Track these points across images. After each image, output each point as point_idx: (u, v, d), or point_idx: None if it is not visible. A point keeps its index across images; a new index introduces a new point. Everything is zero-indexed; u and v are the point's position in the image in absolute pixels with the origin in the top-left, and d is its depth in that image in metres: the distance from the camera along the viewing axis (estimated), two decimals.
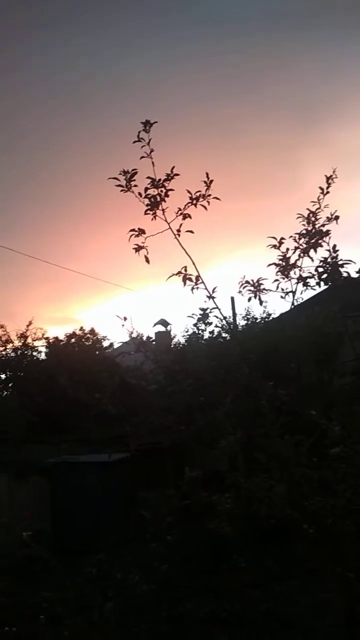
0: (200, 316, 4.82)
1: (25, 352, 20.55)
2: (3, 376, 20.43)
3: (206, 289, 4.57)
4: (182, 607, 4.24)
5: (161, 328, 8.23)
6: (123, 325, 4.69)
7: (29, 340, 20.68)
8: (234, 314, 17.79)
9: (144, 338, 5.15)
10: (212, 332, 6.36)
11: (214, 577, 4.49)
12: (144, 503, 4.90)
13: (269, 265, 4.60)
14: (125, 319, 4.68)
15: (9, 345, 20.47)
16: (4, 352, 20.43)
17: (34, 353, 20.84)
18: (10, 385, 20.26)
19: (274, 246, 4.56)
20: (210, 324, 4.90)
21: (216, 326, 5.18)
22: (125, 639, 4.01)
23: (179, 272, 4.54)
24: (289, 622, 4.16)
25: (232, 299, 16.91)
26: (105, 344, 22.43)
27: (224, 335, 7.27)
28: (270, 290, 4.65)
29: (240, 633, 4.19)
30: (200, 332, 5.44)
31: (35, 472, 14.14)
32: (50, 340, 21.00)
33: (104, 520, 12.71)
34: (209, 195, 4.62)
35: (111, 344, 22.51)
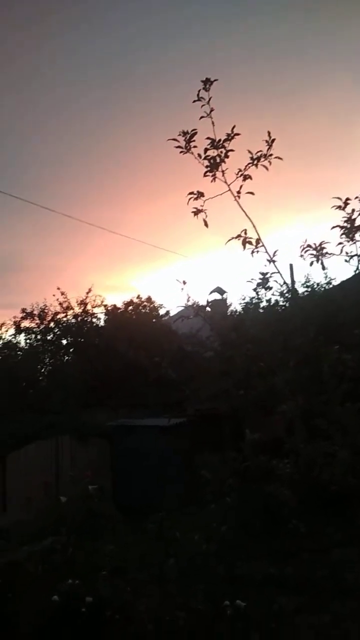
0: (260, 281, 4.72)
1: (85, 318, 21.03)
2: (64, 342, 21.05)
3: (267, 252, 4.46)
4: (240, 568, 4.30)
5: (217, 296, 8.15)
6: (182, 289, 4.65)
7: (89, 307, 21.13)
8: (293, 282, 17.43)
9: (200, 304, 5.13)
10: (269, 301, 6.24)
11: (272, 540, 4.53)
12: (203, 466, 4.97)
13: (333, 227, 4.42)
14: (184, 282, 4.65)
15: (70, 312, 21.00)
16: (65, 319, 20.99)
17: (93, 320, 21.30)
18: (71, 350, 20.86)
19: (339, 207, 4.37)
20: (270, 288, 4.80)
21: (273, 294, 5.08)
22: (185, 596, 4.13)
23: (239, 236, 4.44)
24: (348, 588, 4.15)
25: (291, 266, 16.54)
26: (162, 311, 22.64)
27: (281, 303, 7.14)
28: (334, 254, 4.49)
29: (299, 597, 4.22)
30: (259, 298, 5.35)
31: (96, 435, 14.64)
32: (109, 308, 21.38)
33: (161, 482, 13.03)
34: (271, 155, 4.47)
35: (167, 312, 22.69)
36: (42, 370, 20.68)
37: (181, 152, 4.51)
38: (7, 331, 20.75)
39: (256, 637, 4.24)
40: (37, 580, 6.64)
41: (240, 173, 4.45)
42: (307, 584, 4.23)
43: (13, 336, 20.93)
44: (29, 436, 13.51)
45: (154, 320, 21.53)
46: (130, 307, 21.75)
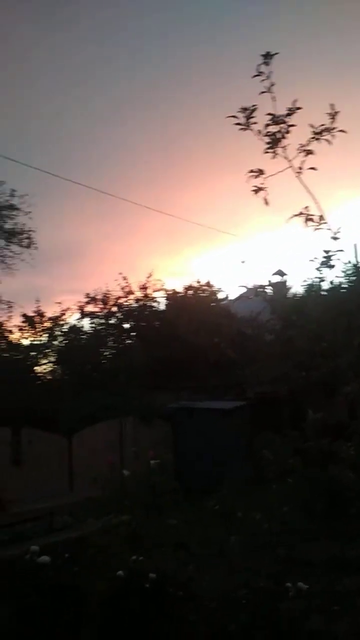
0: (323, 259, 4.61)
1: (146, 303, 21.29)
2: (126, 326, 21.42)
3: (330, 229, 4.34)
4: (301, 549, 4.27)
5: (278, 278, 8.04)
6: (242, 269, 4.61)
7: (149, 291, 21.37)
8: (357, 262, 16.89)
9: (261, 284, 5.06)
10: (331, 282, 6.07)
11: (334, 523, 4.47)
12: (263, 447, 4.93)
13: None
14: (243, 262, 4.60)
15: (131, 296, 21.32)
16: (126, 303, 21.33)
17: (154, 304, 21.53)
18: (133, 334, 21.22)
19: None
20: (333, 267, 4.67)
21: (337, 276, 4.94)
22: (247, 573, 4.17)
23: (301, 213, 4.34)
24: None
25: (355, 246, 16.05)
26: (221, 295, 22.55)
27: (344, 285, 6.93)
28: None
29: None
30: (321, 278, 5.21)
31: (158, 416, 14.89)
32: (169, 292, 21.52)
33: (222, 464, 13.10)
34: (334, 128, 4.31)
35: (226, 296, 22.59)
36: (106, 354, 21.17)
37: (241, 129, 4.43)
38: (72, 316, 21.35)
39: (318, 619, 4.22)
40: (103, 555, 6.89)
41: (301, 148, 4.33)
42: None
43: (78, 320, 21.52)
44: (94, 417, 13.92)
45: (213, 304, 21.50)
46: (190, 292, 21.81)
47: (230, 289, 22.89)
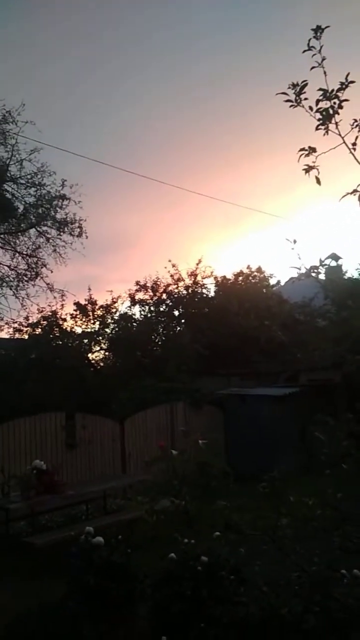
0: None
1: (196, 289, 21.28)
2: (176, 313, 21.52)
3: None
4: (357, 537, 4.18)
5: (332, 263, 7.85)
6: (293, 248, 4.49)
7: (199, 278, 21.34)
8: None
9: (314, 265, 4.92)
10: None
11: None
12: (317, 429, 4.83)
13: None
14: (295, 241, 4.48)
15: (181, 284, 21.37)
16: (176, 290, 21.40)
17: (204, 291, 21.49)
18: (183, 321, 21.29)
19: None
20: None
21: None
22: (300, 559, 4.12)
23: (355, 191, 4.17)
24: None
25: None
26: (273, 281, 22.26)
27: None
28: None
29: None
30: None
31: (208, 402, 14.91)
32: (218, 279, 21.42)
33: (273, 450, 13.02)
34: None
35: (278, 282, 22.26)
36: (157, 340, 21.35)
37: (291, 105, 4.29)
38: (123, 303, 21.63)
39: None
40: (156, 537, 6.99)
41: (355, 124, 4.16)
42: None
43: (128, 308, 21.79)
44: (146, 401, 14.08)
45: (264, 290, 21.27)
46: (240, 278, 21.64)
47: (282, 274, 22.56)
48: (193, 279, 21.32)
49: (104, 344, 21.34)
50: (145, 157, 28.36)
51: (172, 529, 5.16)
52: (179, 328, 21.24)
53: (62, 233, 18.72)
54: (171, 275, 21.36)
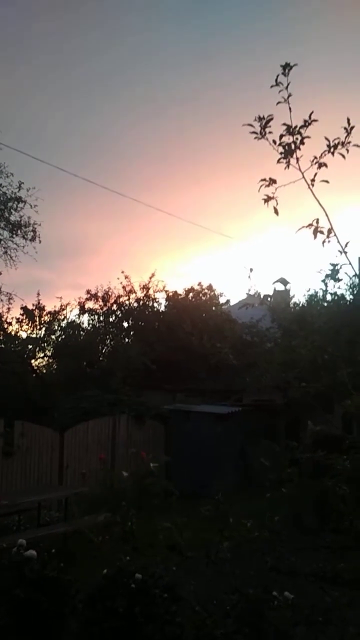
0: (330, 272, 4.62)
1: (147, 303, 21.32)
2: (126, 324, 21.46)
3: (338, 242, 4.35)
4: (291, 559, 4.29)
5: (280, 287, 8.07)
6: (249, 277, 4.63)
7: (151, 292, 21.40)
8: None
9: (262, 295, 5.07)
10: (334, 294, 6.13)
11: (326, 535, 4.49)
12: (257, 455, 4.96)
13: None
14: (251, 270, 4.62)
15: (132, 296, 21.36)
16: (127, 302, 21.37)
17: (155, 304, 21.56)
18: (132, 333, 21.24)
19: None
20: (339, 280, 4.69)
21: (340, 288, 4.96)
22: (235, 579, 4.18)
23: (310, 224, 4.34)
24: None
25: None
26: (222, 300, 22.60)
27: (348, 297, 6.95)
28: None
29: (351, 593, 4.18)
30: (325, 289, 5.22)
31: (152, 417, 14.89)
32: (170, 294, 21.56)
33: (215, 468, 13.13)
34: (349, 142, 4.33)
35: (228, 301, 22.63)
36: (103, 351, 21.19)
37: (256, 137, 4.44)
38: (71, 311, 21.38)
39: (303, 629, 4.23)
40: (91, 552, 6.89)
41: (315, 161, 4.34)
42: None
43: (77, 316, 21.55)
44: (88, 413, 13.91)
45: (214, 308, 21.55)
46: (191, 294, 21.85)
47: (232, 293, 22.96)
48: (145, 292, 21.36)
49: (49, 350, 20.99)
50: (107, 168, 28.32)
51: (108, 546, 5.12)
52: (127, 340, 21.18)
53: (14, 236, 18.35)
54: (123, 287, 21.34)
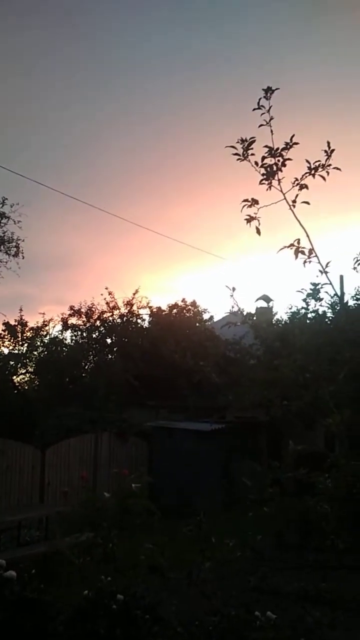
0: (311, 291, 4.69)
1: (130, 319, 21.32)
2: (109, 341, 21.41)
3: (319, 263, 4.42)
4: (273, 579, 4.27)
5: (263, 304, 8.15)
6: (232, 295, 4.68)
7: (134, 308, 21.43)
8: (342, 293, 17.14)
9: (246, 312, 5.12)
10: (315, 311, 6.20)
11: (309, 554, 4.49)
12: (239, 473, 4.95)
13: None
14: (234, 289, 4.67)
15: (116, 312, 21.35)
16: (110, 318, 21.34)
17: (138, 321, 21.57)
18: (115, 349, 21.19)
19: None
20: (320, 299, 4.76)
21: (323, 306, 5.03)
22: (217, 600, 4.15)
23: (291, 245, 4.42)
24: None
25: (341, 277, 16.28)
26: (206, 316, 22.69)
27: (330, 315, 7.02)
28: None
29: (333, 613, 4.17)
30: (307, 308, 5.29)
31: (135, 434, 14.80)
32: (154, 310, 21.60)
33: (198, 486, 13.06)
34: (329, 165, 4.42)
35: (211, 317, 22.72)
36: (86, 367, 21.10)
37: (238, 159, 4.53)
38: (54, 327, 21.29)
39: None
40: (72, 573, 6.78)
41: (296, 182, 4.43)
42: (343, 601, 4.17)
43: (60, 332, 21.46)
44: (71, 430, 13.79)
45: (197, 324, 21.62)
46: (175, 310, 21.92)
47: (215, 310, 23.05)
48: (129, 308, 21.38)
49: (31, 367, 20.83)
50: (90, 184, 28.44)
51: (90, 566, 5.06)
52: (110, 356, 21.12)
53: None
54: (107, 303, 21.35)
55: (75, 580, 6.12)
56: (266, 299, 7.45)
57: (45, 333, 21.15)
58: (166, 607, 4.82)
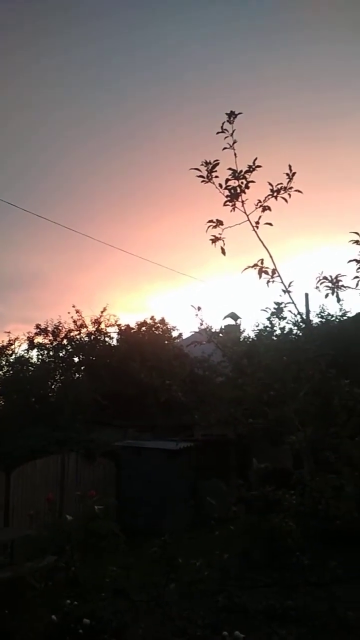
0: (274, 310, 4.78)
1: (98, 337, 21.18)
2: (76, 359, 21.19)
3: (282, 282, 4.52)
4: (240, 598, 4.27)
5: (230, 321, 8.23)
6: (197, 314, 4.73)
7: (102, 326, 21.31)
8: (307, 311, 17.46)
9: (213, 330, 5.18)
10: (282, 329, 6.29)
11: (274, 572, 4.50)
12: (208, 491, 4.96)
13: (350, 261, 4.46)
14: (199, 308, 4.72)
15: (83, 330, 21.18)
16: (78, 337, 21.16)
17: (106, 339, 21.45)
18: (82, 368, 20.98)
19: (357, 242, 4.42)
20: (284, 318, 4.86)
21: (288, 323, 5.13)
22: (184, 621, 4.12)
23: (255, 265, 4.51)
24: (350, 624, 4.09)
25: (307, 295, 16.59)
26: (175, 334, 22.74)
27: (294, 332, 7.15)
28: (349, 288, 4.53)
29: (299, 630, 4.17)
30: (272, 326, 5.38)
31: (102, 454, 14.61)
32: (122, 328, 21.52)
33: (166, 505, 12.95)
34: (291, 187, 4.55)
35: (180, 335, 22.78)
36: (53, 387, 20.81)
37: (202, 181, 4.62)
38: (20, 346, 20.98)
39: None
40: (39, 598, 6.61)
41: (259, 204, 4.53)
42: (308, 618, 4.18)
43: (26, 351, 21.15)
44: (36, 451, 13.52)
45: (166, 342, 21.62)
46: (144, 328, 21.89)
47: (183, 327, 23.11)
48: (97, 326, 21.24)
49: None
50: (58, 202, 28.32)
51: (56, 591, 4.94)
52: (78, 375, 20.89)
53: None
54: (74, 321, 21.17)
55: (40, 605, 5.97)
56: (233, 316, 7.53)
57: (10, 352, 20.81)
58: (133, 630, 4.74)
